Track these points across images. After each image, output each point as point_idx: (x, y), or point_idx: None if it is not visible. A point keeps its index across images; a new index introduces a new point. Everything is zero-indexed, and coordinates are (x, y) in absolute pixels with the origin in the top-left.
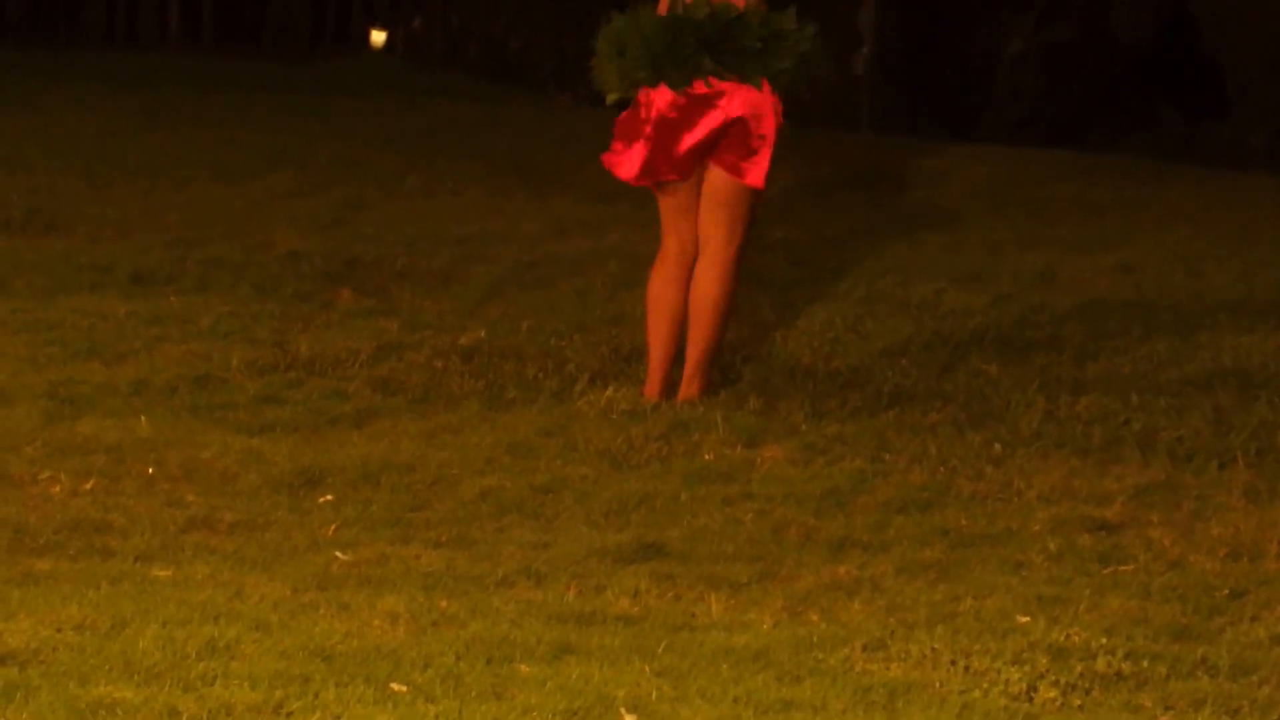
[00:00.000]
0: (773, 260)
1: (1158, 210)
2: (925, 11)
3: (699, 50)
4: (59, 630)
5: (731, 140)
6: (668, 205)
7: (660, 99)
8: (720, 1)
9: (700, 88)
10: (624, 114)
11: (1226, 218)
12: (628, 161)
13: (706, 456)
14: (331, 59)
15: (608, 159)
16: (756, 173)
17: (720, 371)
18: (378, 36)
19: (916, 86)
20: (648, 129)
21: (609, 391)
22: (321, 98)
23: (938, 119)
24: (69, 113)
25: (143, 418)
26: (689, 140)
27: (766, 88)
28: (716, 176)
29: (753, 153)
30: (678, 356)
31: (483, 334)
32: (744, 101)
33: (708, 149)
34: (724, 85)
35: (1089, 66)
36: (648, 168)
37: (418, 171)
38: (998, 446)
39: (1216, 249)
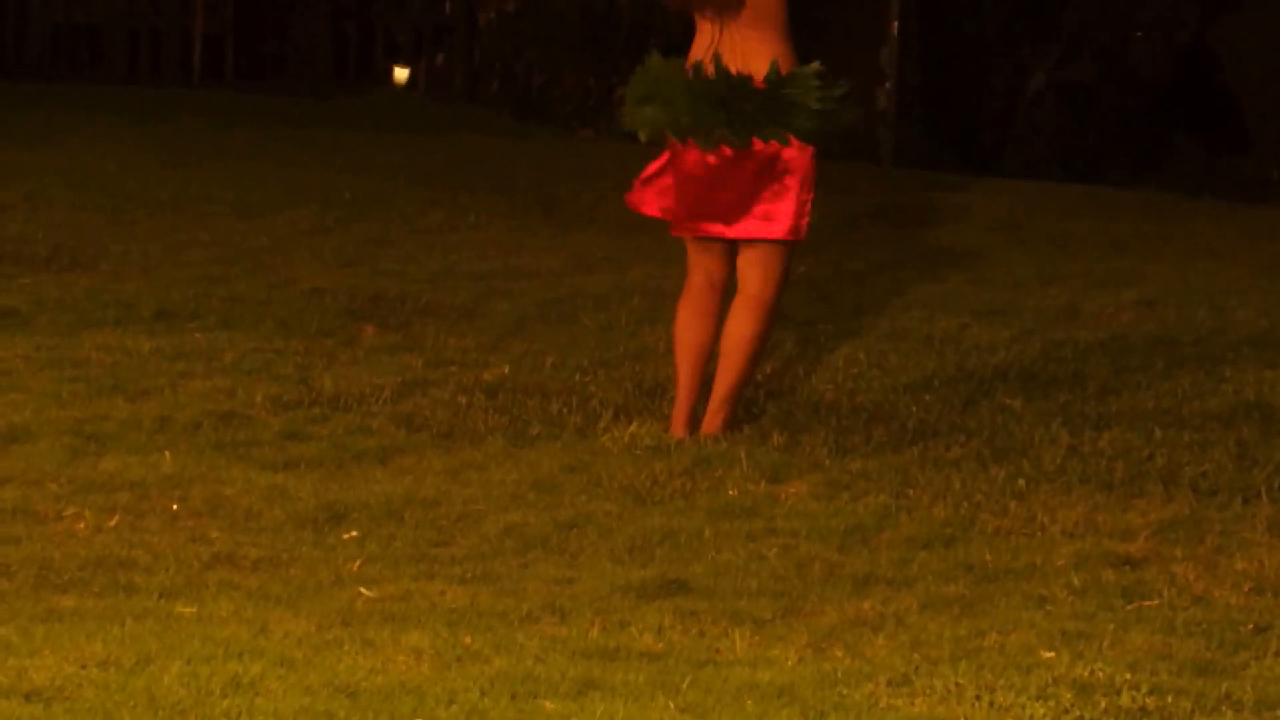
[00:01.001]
0: (795, 295)
1: (1179, 245)
2: (947, 48)
3: (717, 119)
4: (83, 667)
5: (757, 192)
6: (691, 240)
7: (688, 153)
8: (737, 70)
9: (726, 150)
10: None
11: (1249, 252)
12: (648, 199)
13: (730, 492)
14: (354, 95)
15: (630, 198)
16: (779, 226)
17: (743, 407)
18: (401, 74)
19: (938, 122)
20: (671, 176)
21: (633, 427)
22: (344, 133)
23: (959, 154)
24: (92, 149)
25: (167, 454)
26: (711, 196)
27: (795, 143)
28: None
29: (776, 206)
30: (703, 393)
31: (506, 370)
32: (771, 157)
33: (732, 203)
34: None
35: (1109, 101)
36: (670, 213)
37: (440, 207)
38: (1021, 482)
39: (1239, 283)
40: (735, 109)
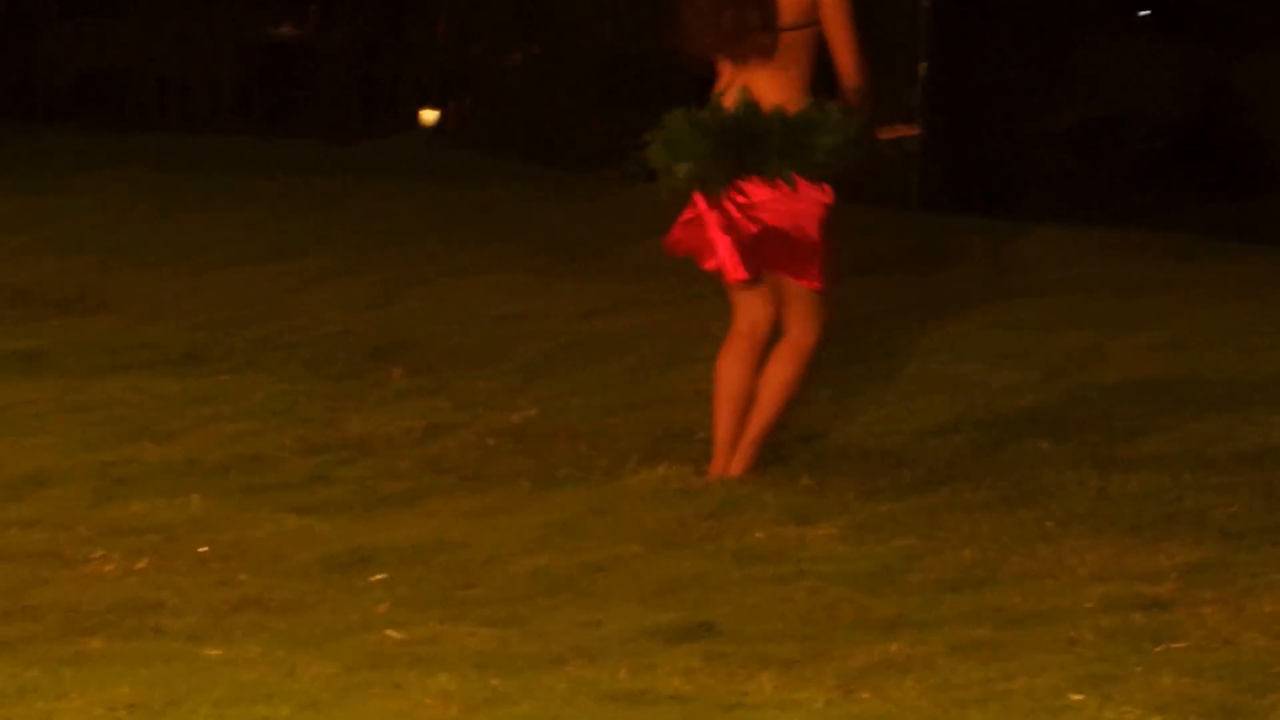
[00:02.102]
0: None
1: (1206, 287)
2: (973, 90)
3: (728, 153)
4: (111, 710)
5: (778, 250)
6: (734, 285)
7: (705, 204)
8: (753, 101)
9: (737, 196)
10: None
11: (1275, 294)
12: (679, 239)
13: (757, 535)
14: (381, 139)
15: (668, 241)
16: (811, 277)
17: (771, 450)
18: (428, 116)
19: (965, 165)
20: (700, 225)
21: (660, 470)
22: (371, 177)
23: (986, 197)
24: (120, 193)
25: (194, 497)
26: (734, 243)
27: (808, 187)
28: (779, 277)
29: (805, 260)
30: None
31: (533, 412)
32: (784, 212)
33: (756, 252)
34: (762, 191)
35: (1133, 143)
36: (699, 253)
37: (467, 249)
38: (1049, 524)
39: (1265, 325)
40: (747, 141)
